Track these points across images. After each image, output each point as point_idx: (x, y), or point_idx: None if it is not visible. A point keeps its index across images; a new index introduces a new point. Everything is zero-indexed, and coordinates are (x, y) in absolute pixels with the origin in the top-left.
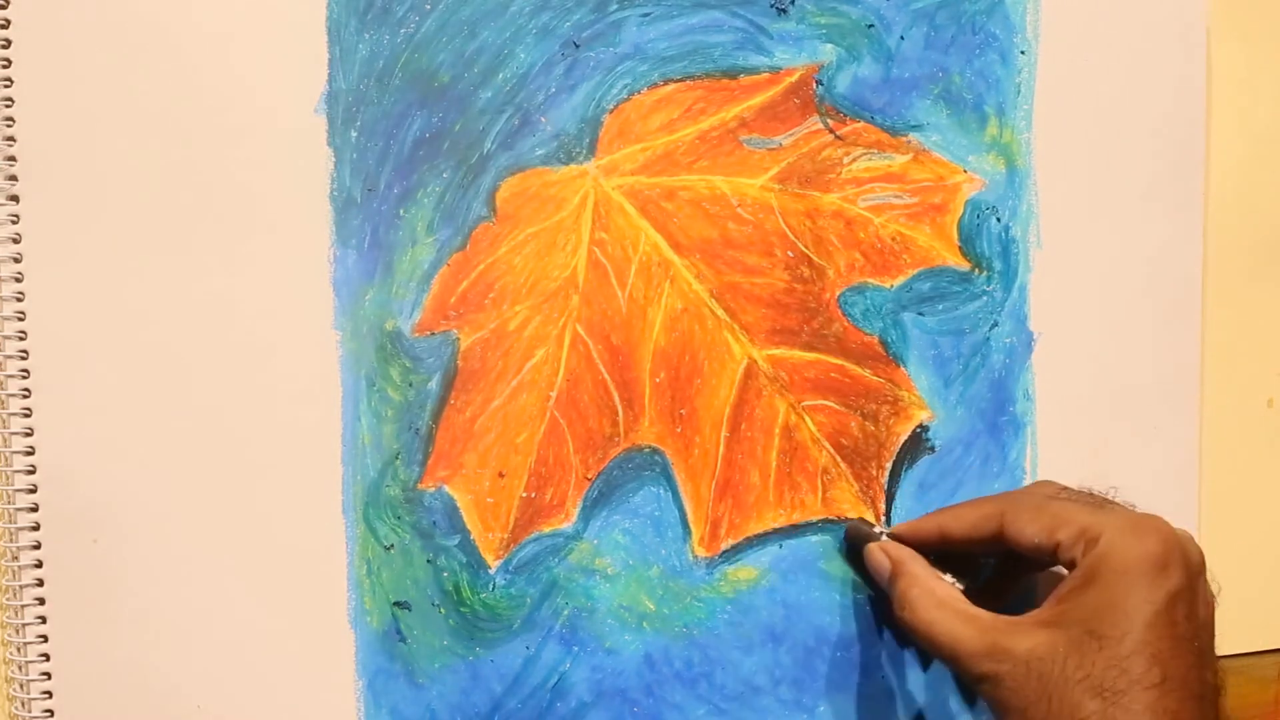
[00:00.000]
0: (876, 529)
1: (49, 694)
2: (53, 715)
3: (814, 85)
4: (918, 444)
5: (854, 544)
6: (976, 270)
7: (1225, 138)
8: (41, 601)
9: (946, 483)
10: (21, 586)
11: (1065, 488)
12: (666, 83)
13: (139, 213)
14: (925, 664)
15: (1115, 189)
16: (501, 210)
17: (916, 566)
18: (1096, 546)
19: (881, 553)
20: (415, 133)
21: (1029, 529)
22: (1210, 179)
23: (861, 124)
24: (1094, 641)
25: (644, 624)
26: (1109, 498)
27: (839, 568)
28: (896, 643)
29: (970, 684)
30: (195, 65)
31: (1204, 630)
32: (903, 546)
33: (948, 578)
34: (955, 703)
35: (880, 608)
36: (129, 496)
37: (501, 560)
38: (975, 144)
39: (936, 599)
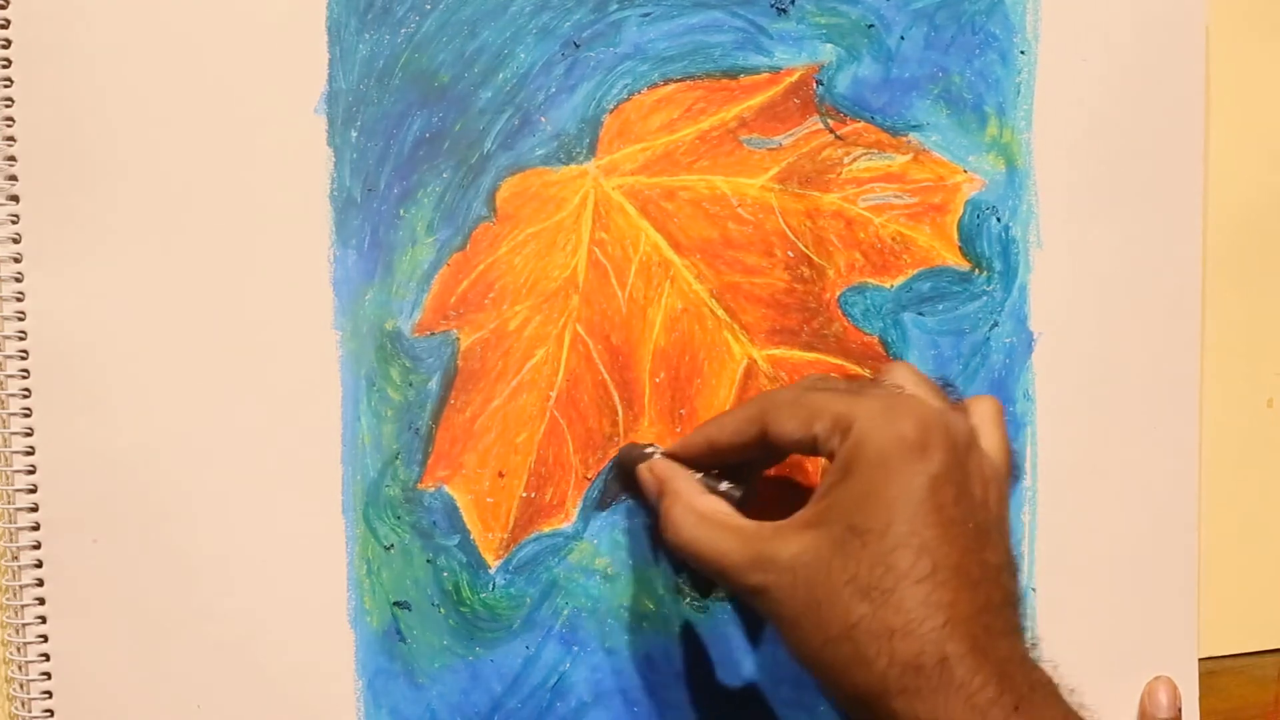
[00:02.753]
0: (649, 448)
1: (49, 694)
2: (52, 715)
3: (814, 85)
4: None
5: (626, 468)
6: (976, 270)
7: (1225, 138)
8: (41, 601)
9: None
10: (21, 586)
11: (829, 377)
12: (666, 83)
13: (139, 213)
14: None
15: (1115, 189)
16: (501, 210)
17: (680, 483)
18: (850, 435)
19: (649, 472)
20: (415, 133)
21: (787, 425)
22: (1210, 179)
23: (861, 124)
24: (856, 538)
25: (644, 624)
26: (885, 382)
27: None
28: (672, 569)
29: (743, 600)
30: (195, 65)
31: (980, 509)
32: (671, 464)
33: (724, 485)
34: None
35: None
36: (129, 496)
37: (501, 560)
38: (975, 144)
39: (698, 514)
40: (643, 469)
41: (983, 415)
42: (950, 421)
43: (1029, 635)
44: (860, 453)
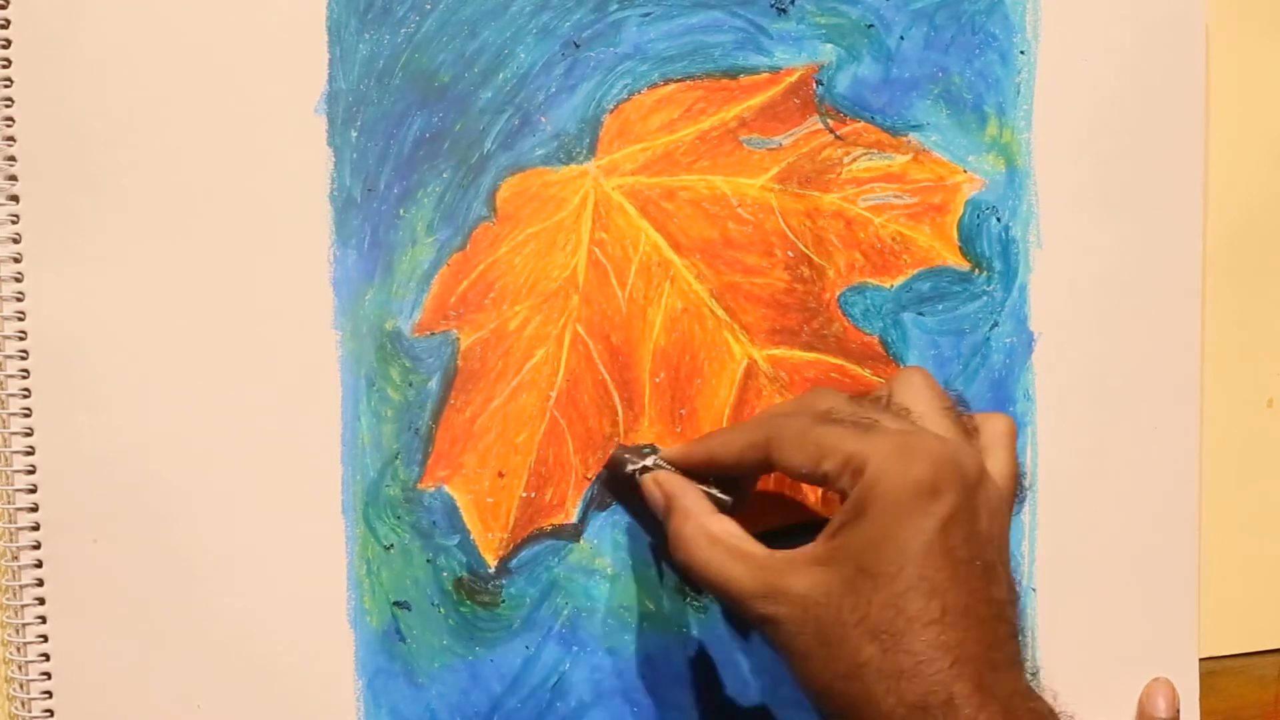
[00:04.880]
0: (646, 452)
1: (49, 694)
2: (52, 715)
3: (814, 85)
4: None
5: (617, 472)
6: (976, 270)
7: (1225, 138)
8: (41, 601)
9: None
10: (21, 586)
11: (837, 404)
12: (666, 83)
13: (139, 213)
14: None
15: (1115, 189)
16: (501, 210)
17: (689, 500)
18: (863, 476)
19: (655, 485)
20: (415, 133)
21: (795, 459)
22: (1210, 179)
23: (861, 124)
24: (868, 580)
25: (644, 624)
26: (891, 407)
27: None
28: (679, 579)
29: (751, 626)
30: (195, 65)
31: (988, 545)
32: (676, 477)
33: (715, 491)
34: None
35: None
36: (129, 496)
37: (501, 560)
38: (975, 144)
39: (710, 536)
40: (649, 481)
41: (993, 435)
42: (961, 459)
43: (1029, 665)
44: (873, 495)
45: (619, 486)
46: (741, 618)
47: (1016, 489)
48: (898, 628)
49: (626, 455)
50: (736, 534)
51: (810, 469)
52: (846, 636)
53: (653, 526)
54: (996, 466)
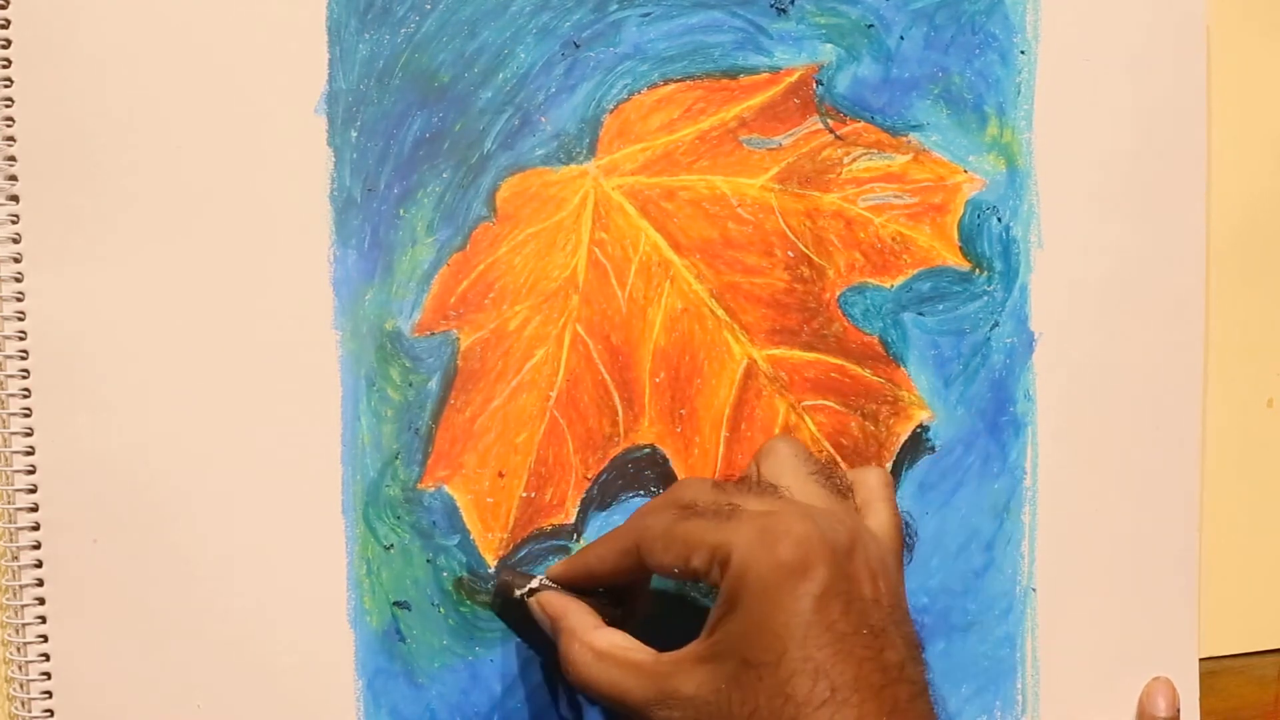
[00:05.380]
0: (533, 573)
1: (49, 694)
2: (52, 715)
3: (814, 85)
4: (918, 444)
5: (506, 597)
6: (977, 270)
7: (1225, 138)
8: (41, 601)
9: (947, 483)
10: (21, 586)
11: (700, 494)
12: (666, 83)
13: (139, 213)
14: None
15: (1115, 189)
16: (501, 210)
17: (573, 619)
18: (730, 567)
19: (540, 607)
20: (415, 133)
21: (664, 559)
22: (1210, 179)
23: (861, 124)
24: (751, 671)
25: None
26: (759, 485)
27: None
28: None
29: None
30: (195, 65)
31: (873, 610)
32: (560, 596)
33: (604, 601)
34: (957, 701)
35: None
36: (129, 496)
37: (501, 560)
38: (975, 144)
39: (595, 652)
40: (533, 604)
41: (870, 491)
42: (827, 531)
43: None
44: (743, 584)
45: (509, 612)
46: None
47: (904, 538)
48: (789, 714)
49: (514, 579)
50: (622, 644)
51: (681, 566)
52: None
53: (548, 646)
54: (876, 520)
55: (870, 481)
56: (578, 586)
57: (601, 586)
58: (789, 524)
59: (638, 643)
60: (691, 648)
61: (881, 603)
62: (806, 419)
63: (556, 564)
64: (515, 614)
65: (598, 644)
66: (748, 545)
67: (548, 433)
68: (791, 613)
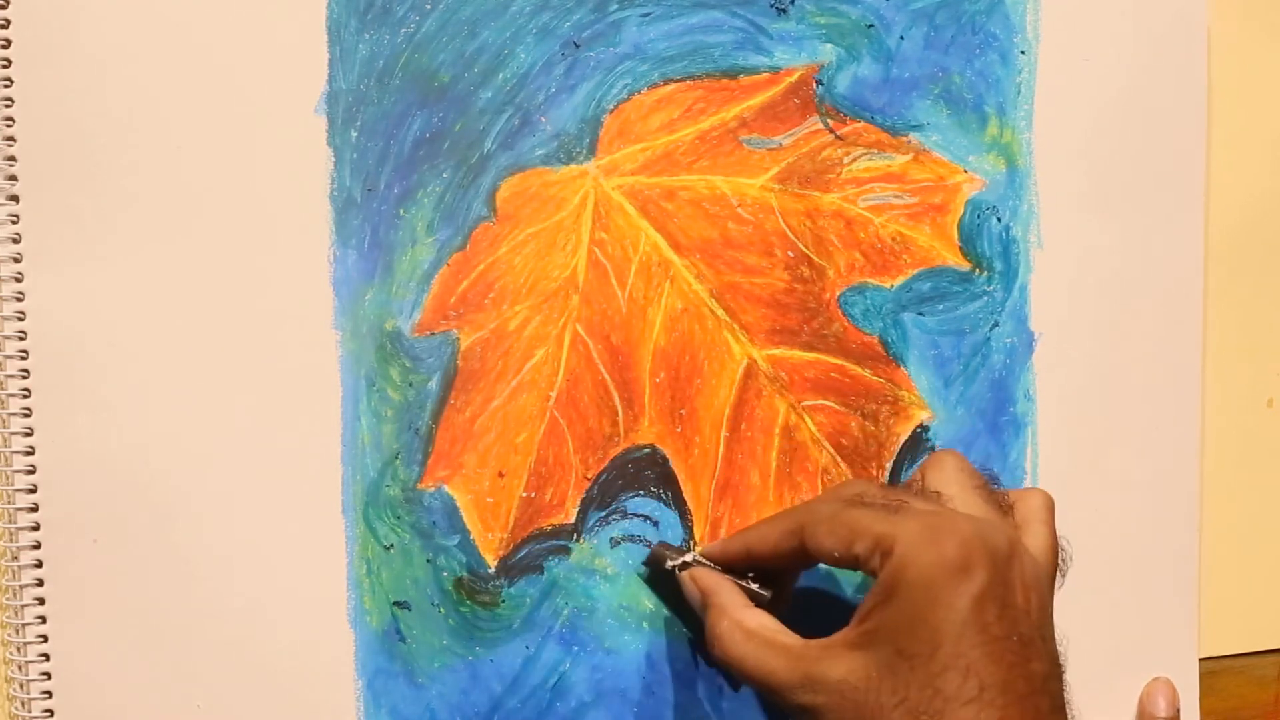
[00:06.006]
0: (686, 547)
1: (49, 694)
2: (52, 715)
3: (814, 85)
4: (918, 444)
5: (656, 568)
6: (977, 270)
7: (1225, 138)
8: (41, 601)
9: None
10: (21, 586)
11: (868, 489)
12: (666, 83)
13: (139, 213)
14: None
15: (1116, 189)
16: (501, 210)
17: (724, 596)
18: (892, 557)
19: (692, 581)
20: (415, 133)
21: (826, 543)
22: (1210, 179)
23: (861, 124)
24: (904, 662)
25: (644, 624)
26: (923, 491)
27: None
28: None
29: (792, 716)
30: (195, 65)
31: (1024, 618)
32: (711, 573)
33: (755, 585)
34: None
35: None
36: (129, 496)
37: (501, 560)
38: (975, 144)
39: (745, 631)
40: (686, 578)
41: (1030, 511)
42: (989, 536)
43: None
44: (903, 576)
45: (659, 582)
46: (781, 708)
47: (1058, 562)
48: (936, 707)
49: (666, 552)
50: (771, 627)
51: (842, 552)
52: (887, 719)
53: (692, 620)
54: (1034, 541)
55: (1032, 502)
56: (731, 565)
57: (756, 568)
58: (955, 523)
59: (784, 627)
60: (842, 634)
61: (1032, 615)
62: (806, 419)
63: (713, 542)
64: (663, 587)
65: (747, 623)
66: (912, 539)
67: (548, 433)
68: (950, 609)
